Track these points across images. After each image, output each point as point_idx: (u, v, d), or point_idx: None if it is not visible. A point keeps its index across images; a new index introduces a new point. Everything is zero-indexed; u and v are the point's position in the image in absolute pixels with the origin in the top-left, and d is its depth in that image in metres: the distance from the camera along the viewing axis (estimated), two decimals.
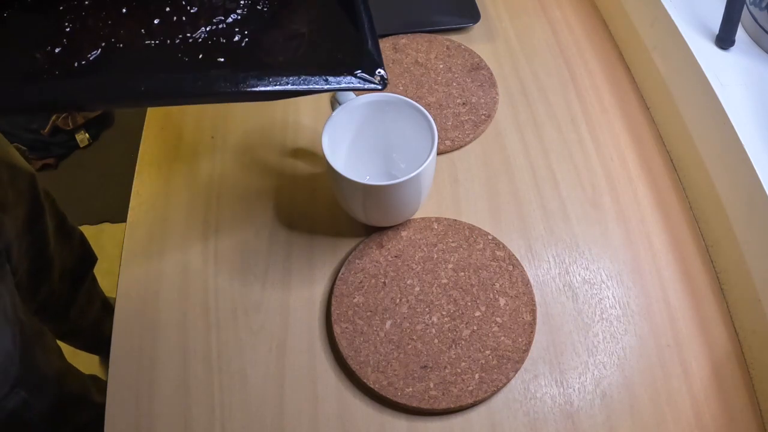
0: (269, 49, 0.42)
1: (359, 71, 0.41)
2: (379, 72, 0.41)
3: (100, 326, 0.98)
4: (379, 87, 0.42)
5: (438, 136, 0.48)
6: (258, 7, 0.43)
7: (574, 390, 0.47)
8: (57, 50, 0.39)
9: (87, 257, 0.93)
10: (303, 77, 0.40)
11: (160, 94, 0.40)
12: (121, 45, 0.40)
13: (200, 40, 0.41)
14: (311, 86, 0.40)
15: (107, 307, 1.00)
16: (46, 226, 0.78)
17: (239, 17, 0.42)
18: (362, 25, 0.43)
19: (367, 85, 0.41)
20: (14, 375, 0.60)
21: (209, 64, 0.40)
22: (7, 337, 0.59)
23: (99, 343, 1.01)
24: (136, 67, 0.40)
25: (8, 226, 0.68)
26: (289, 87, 0.40)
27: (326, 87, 0.41)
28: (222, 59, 0.41)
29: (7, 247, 0.67)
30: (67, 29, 0.40)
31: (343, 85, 0.41)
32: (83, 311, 0.93)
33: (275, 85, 0.40)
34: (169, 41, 0.41)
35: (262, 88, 0.40)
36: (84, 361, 0.82)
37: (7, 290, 0.62)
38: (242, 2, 0.43)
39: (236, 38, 0.42)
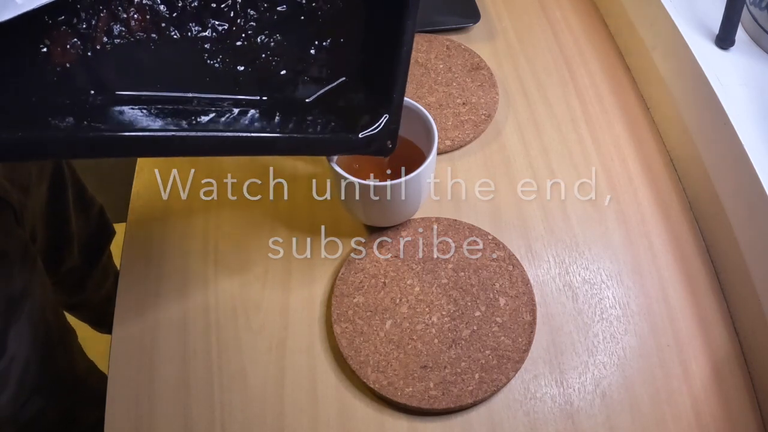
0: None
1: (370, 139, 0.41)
2: (389, 144, 0.42)
3: (111, 302, 0.97)
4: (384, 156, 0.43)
5: (438, 136, 0.48)
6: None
7: (574, 390, 0.47)
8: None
9: (105, 229, 0.91)
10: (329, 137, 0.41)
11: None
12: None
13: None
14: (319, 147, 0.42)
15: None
16: (68, 201, 0.76)
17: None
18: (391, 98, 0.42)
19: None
20: (32, 382, 0.58)
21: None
22: (28, 344, 0.58)
23: (105, 318, 0.98)
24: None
25: (30, 210, 0.66)
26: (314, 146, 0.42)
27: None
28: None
29: (32, 231, 0.65)
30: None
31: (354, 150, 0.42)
32: (99, 285, 0.91)
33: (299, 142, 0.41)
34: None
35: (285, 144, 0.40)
36: (94, 356, 0.81)
37: (38, 285, 0.60)
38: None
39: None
